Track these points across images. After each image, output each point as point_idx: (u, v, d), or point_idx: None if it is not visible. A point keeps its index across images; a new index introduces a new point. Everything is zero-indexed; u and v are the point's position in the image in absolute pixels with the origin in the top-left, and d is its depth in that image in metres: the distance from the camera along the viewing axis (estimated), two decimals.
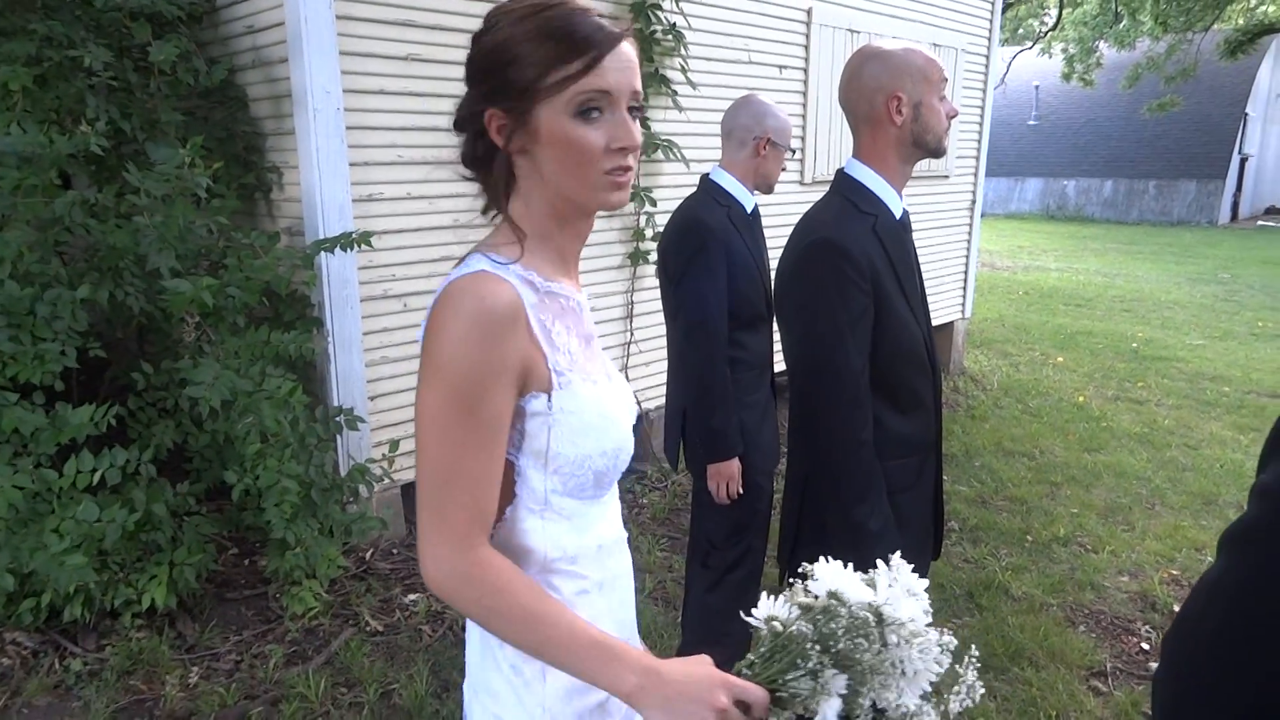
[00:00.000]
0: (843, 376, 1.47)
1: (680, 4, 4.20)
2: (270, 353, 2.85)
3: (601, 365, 1.06)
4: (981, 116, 6.78)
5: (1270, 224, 25.06)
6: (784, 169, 2.42)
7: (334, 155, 3.21)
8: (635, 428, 1.08)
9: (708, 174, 2.41)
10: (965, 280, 6.96)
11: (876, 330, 1.50)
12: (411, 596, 2.93)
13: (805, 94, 5.27)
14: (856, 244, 1.48)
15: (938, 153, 1.57)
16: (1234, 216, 25.17)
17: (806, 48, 5.23)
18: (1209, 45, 20.89)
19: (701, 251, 2.22)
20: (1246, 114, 24.03)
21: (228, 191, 3.23)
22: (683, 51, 4.25)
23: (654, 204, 4.26)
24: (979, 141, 6.83)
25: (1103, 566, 3.43)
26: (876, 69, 1.53)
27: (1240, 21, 23.96)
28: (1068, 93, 25.36)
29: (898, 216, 1.58)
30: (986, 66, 6.74)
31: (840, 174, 1.61)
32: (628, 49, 0.94)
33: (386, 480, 3.22)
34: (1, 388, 2.26)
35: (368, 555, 3.15)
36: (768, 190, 2.42)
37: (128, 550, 2.47)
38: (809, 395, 1.54)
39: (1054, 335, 8.58)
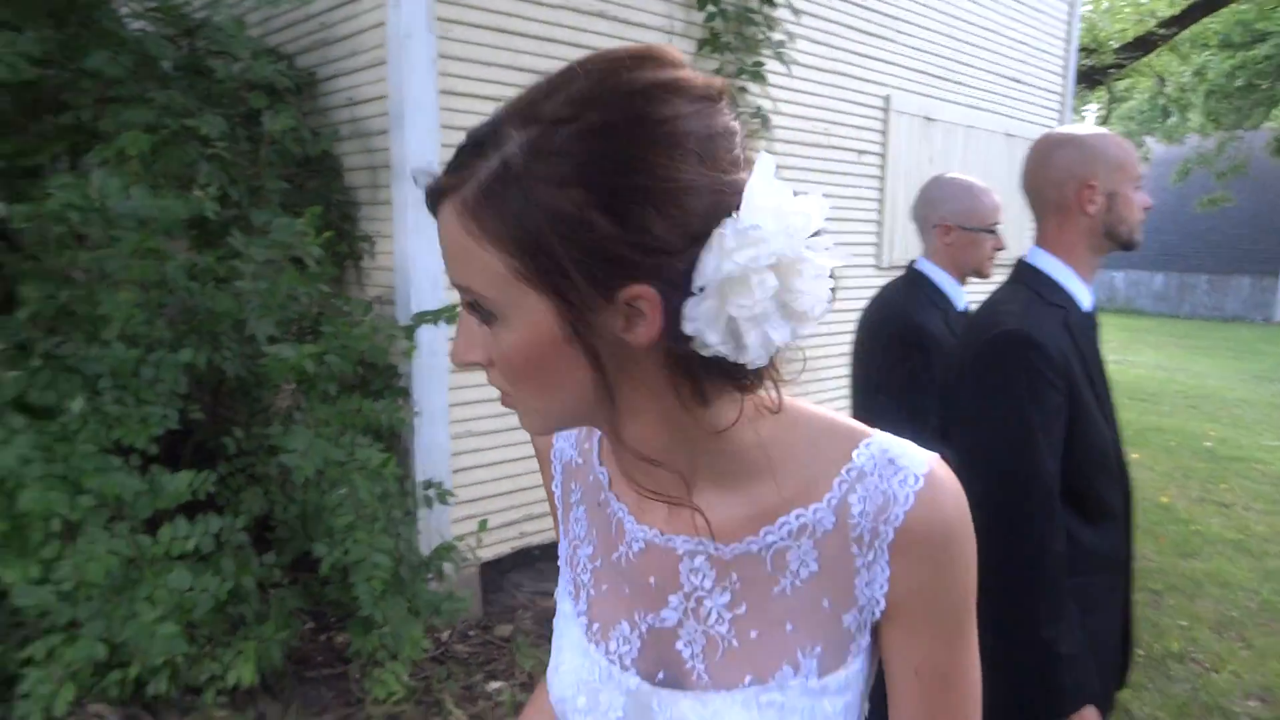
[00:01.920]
0: (1034, 482, 1.35)
1: (767, 87, 4.23)
2: (360, 422, 2.79)
3: (600, 615, 0.71)
4: None
5: None
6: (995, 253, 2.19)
7: (429, 226, 3.20)
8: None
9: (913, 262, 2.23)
10: None
11: (1069, 433, 1.38)
12: (495, 684, 2.78)
13: (883, 179, 5.25)
14: (1050, 337, 1.38)
15: (1130, 245, 1.48)
16: None
17: (884, 133, 5.25)
18: (1260, 142, 20.86)
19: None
20: None
21: (325, 258, 3.24)
22: (767, 135, 4.26)
23: None
24: None
25: (1227, 689, 3.17)
26: (1069, 155, 1.45)
27: None
28: None
29: (1087, 309, 1.48)
30: None
31: (1022, 264, 1.52)
32: (450, 220, 0.57)
33: (469, 557, 3.10)
34: (105, 450, 2.21)
35: (445, 637, 3.01)
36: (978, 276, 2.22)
37: (215, 623, 2.37)
38: (994, 503, 1.40)
39: (1125, 430, 8.29)
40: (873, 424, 0.67)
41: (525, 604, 3.38)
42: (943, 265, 2.14)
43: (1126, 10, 14.42)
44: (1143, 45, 12.07)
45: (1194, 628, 3.71)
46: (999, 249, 2.16)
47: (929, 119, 5.55)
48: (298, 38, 3.76)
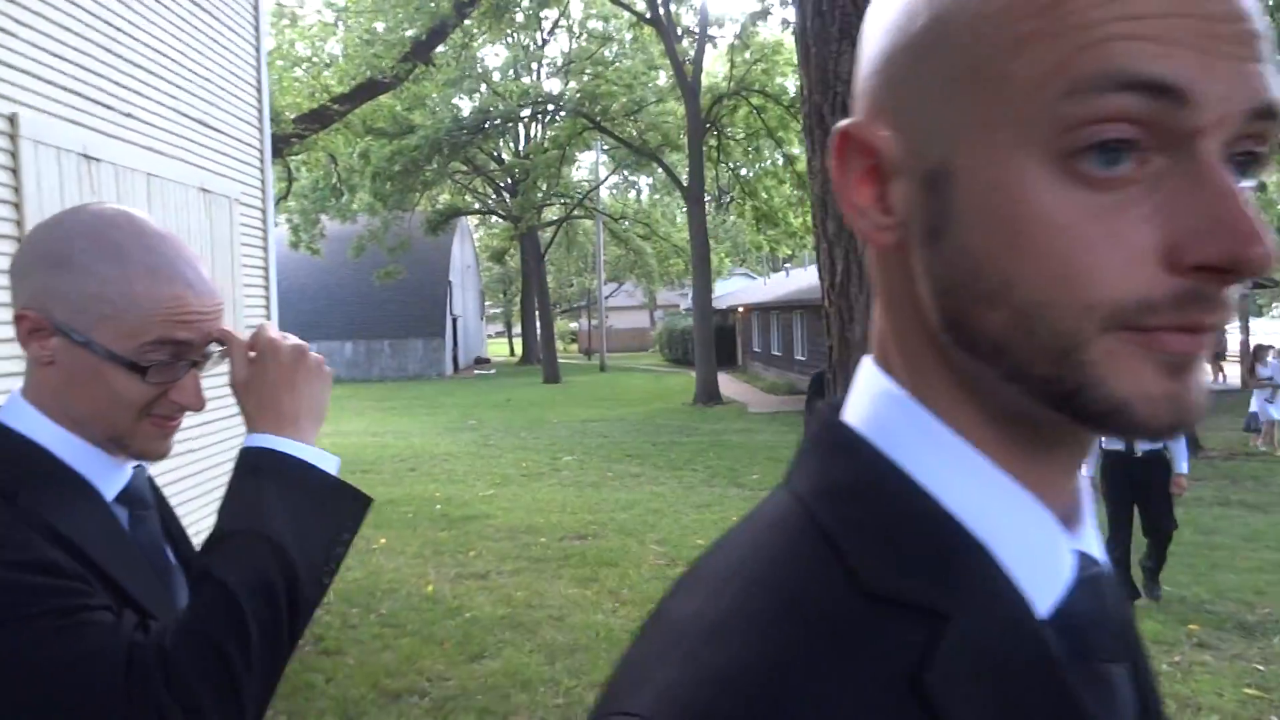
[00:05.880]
0: None
1: None
2: None
3: None
4: (266, 274, 5.75)
5: (481, 371, 29.90)
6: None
7: None
8: None
9: None
10: None
11: None
12: None
13: (20, 239, 3.46)
14: None
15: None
16: (455, 368, 29.21)
17: (16, 172, 3.47)
18: (418, 221, 24.05)
19: None
20: (450, 282, 28.42)
21: None
22: None
23: None
24: (267, 298, 5.78)
25: None
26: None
27: (429, 206, 28.34)
28: (301, 261, 26.08)
29: None
30: (264, 219, 5.80)
31: None
32: None
33: None
34: None
35: None
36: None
37: None
38: None
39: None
40: None
41: None
42: (41, 404, 0.86)
43: (299, 83, 14.56)
44: (320, 118, 12.20)
45: None
46: (188, 407, 0.92)
47: (90, 157, 3.96)
48: None
